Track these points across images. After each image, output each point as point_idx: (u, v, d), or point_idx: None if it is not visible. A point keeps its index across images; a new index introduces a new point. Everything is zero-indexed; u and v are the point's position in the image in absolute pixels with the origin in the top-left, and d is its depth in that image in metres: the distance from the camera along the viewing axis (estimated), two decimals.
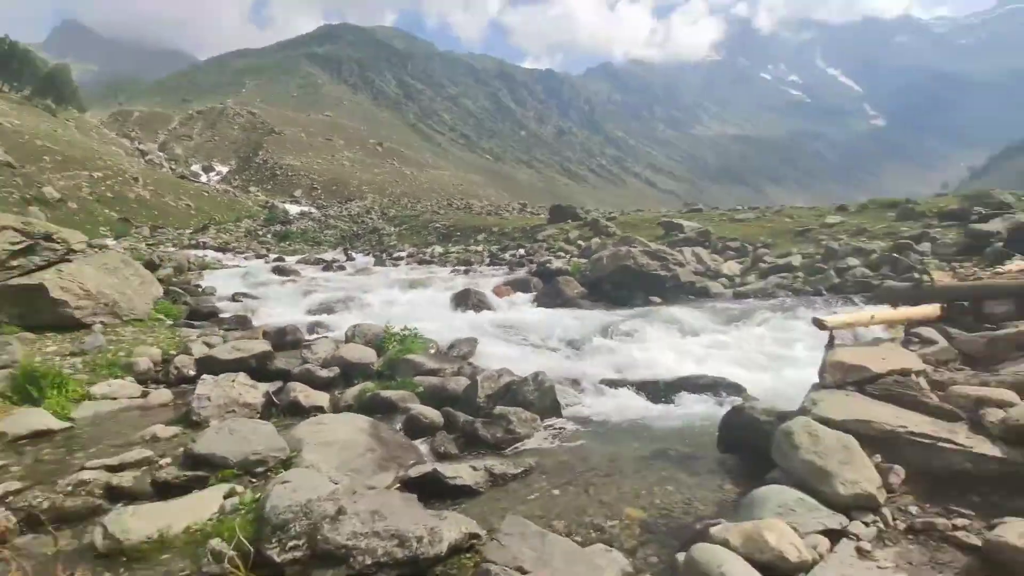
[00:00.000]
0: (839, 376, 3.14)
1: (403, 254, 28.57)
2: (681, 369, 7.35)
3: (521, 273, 18.89)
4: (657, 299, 14.10)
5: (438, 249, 28.91)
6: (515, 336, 10.31)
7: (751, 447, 3.81)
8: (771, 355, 7.92)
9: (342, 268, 23.41)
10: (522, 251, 25.41)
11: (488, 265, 22.66)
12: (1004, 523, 2.28)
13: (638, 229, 25.32)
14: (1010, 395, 2.86)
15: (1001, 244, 11.59)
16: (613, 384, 6.71)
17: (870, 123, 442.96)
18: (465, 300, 13.32)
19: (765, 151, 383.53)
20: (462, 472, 3.93)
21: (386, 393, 5.40)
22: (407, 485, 3.80)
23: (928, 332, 3.82)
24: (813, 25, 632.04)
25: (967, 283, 4.05)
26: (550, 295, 14.49)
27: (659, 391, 6.33)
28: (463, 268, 21.53)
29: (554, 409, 5.65)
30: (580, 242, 23.65)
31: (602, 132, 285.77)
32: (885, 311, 3.63)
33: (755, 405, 4.13)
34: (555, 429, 5.36)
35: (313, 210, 57.99)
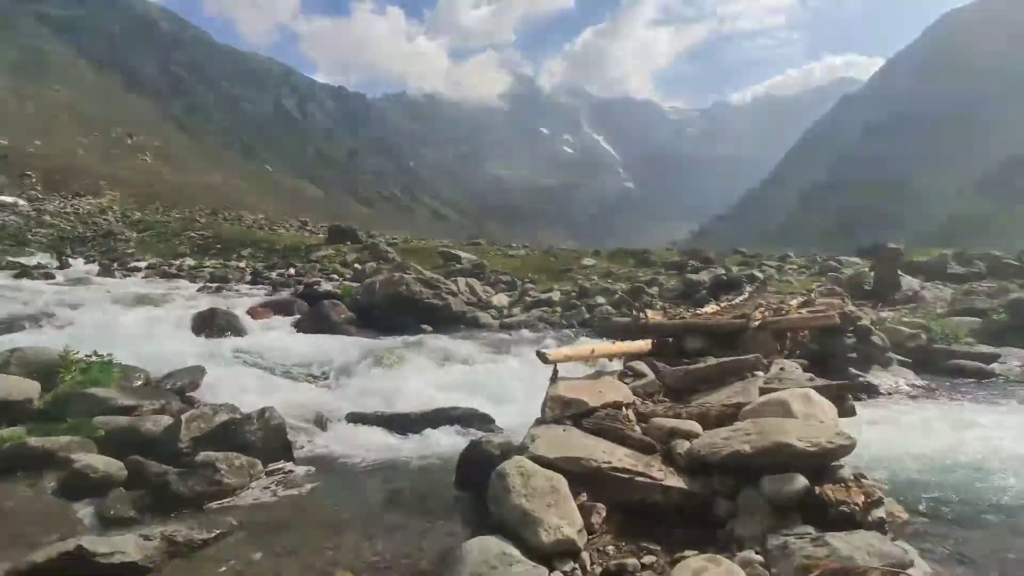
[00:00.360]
0: (558, 411, 3.19)
1: (142, 265, 24.17)
2: (439, 400, 7.16)
3: (285, 294, 17.30)
4: (429, 328, 14.00)
5: (189, 262, 25.16)
6: (263, 364, 9.14)
7: (486, 484, 3.67)
8: (525, 385, 8.22)
9: (50, 276, 18.80)
10: (292, 271, 23.46)
11: (249, 284, 20.35)
12: (683, 559, 2.40)
13: (418, 256, 25.34)
14: (695, 426, 3.10)
15: (705, 291, 14.13)
16: (362, 419, 6.20)
17: (623, 184, 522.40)
18: (210, 322, 11.53)
19: (541, 197, 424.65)
20: (126, 545, 3.03)
21: (38, 441, 4.08)
22: (31, 574, 2.77)
23: (640, 366, 4.11)
24: (583, 94, 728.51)
25: (673, 322, 4.64)
26: (315, 319, 13.38)
27: (410, 424, 6.01)
28: (215, 285, 18.96)
29: (284, 451, 4.92)
30: (357, 265, 22.72)
31: (395, 159, 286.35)
32: (605, 345, 3.91)
33: (491, 439, 4.04)
34: (280, 475, 4.64)
35: (21, 202, 46.28)
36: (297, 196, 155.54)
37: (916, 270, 17.88)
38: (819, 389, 2.96)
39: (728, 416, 2.96)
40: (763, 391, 3.04)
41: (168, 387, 6.14)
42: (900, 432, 5.47)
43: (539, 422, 3.19)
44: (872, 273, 13.91)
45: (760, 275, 13.00)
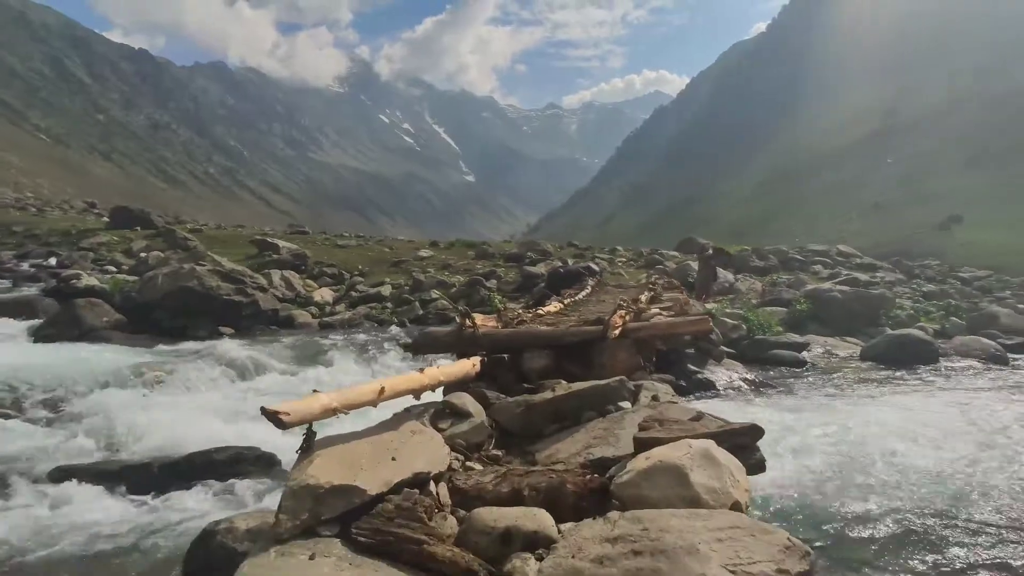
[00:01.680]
0: (306, 515, 1.74)
1: None
2: (217, 433, 5.38)
3: (32, 291, 13.48)
4: (229, 330, 11.64)
5: None
6: None
7: None
8: None
9: None
10: (54, 260, 18.75)
11: None
12: None
13: (227, 246, 21.88)
14: (542, 520, 1.80)
15: (543, 284, 13.65)
16: (73, 474, 4.24)
17: (464, 177, 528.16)
18: None
19: (380, 186, 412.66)
20: None
21: None
22: None
23: (463, 399, 2.67)
24: (423, 84, 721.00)
25: (508, 331, 3.54)
26: (66, 324, 10.31)
27: (149, 480, 4.22)
28: None
29: None
30: (143, 254, 18.82)
31: (211, 136, 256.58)
32: (406, 378, 2.55)
33: (235, 526, 2.58)
34: None
35: None
36: (85, 173, 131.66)
37: (726, 264, 19.44)
38: (717, 436, 2.06)
39: (593, 492, 1.89)
40: (641, 443, 2.06)
41: None
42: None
43: (268, 538, 1.76)
44: (696, 266, 14.62)
45: (596, 267, 12.83)
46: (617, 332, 3.02)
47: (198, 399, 6.68)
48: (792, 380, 7.67)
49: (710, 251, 13.97)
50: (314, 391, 2.19)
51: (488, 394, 2.73)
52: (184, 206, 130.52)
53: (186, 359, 8.22)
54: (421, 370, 2.52)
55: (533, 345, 3.30)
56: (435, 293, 13.76)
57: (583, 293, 7.09)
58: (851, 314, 10.99)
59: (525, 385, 3.00)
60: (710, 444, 1.94)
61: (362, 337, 10.74)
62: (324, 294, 15.58)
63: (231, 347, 9.05)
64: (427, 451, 2.13)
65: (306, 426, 2.05)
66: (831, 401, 6.60)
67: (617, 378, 2.61)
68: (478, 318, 3.78)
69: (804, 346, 8.99)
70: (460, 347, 3.45)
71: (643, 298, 5.45)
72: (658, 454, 1.90)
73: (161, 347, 9.43)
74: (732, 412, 6.06)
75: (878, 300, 11.11)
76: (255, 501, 3.96)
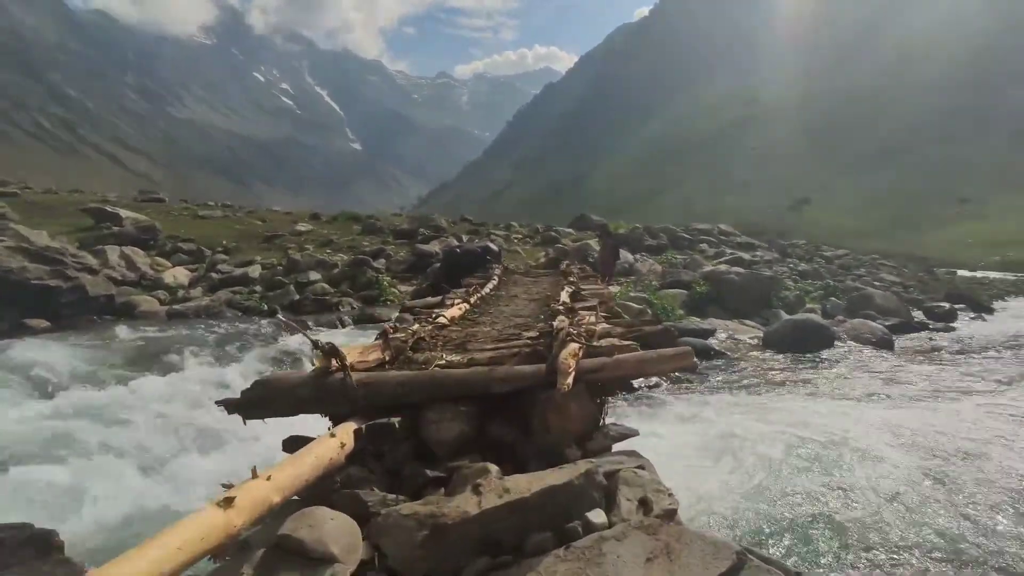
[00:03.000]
0: None
1: None
2: None
3: None
4: (42, 322, 9.30)
5: None
6: None
7: None
8: (171, 427, 5.18)
9: None
10: None
11: None
12: None
13: (54, 215, 18.22)
14: None
15: (438, 264, 12.46)
16: None
17: (350, 144, 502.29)
18: None
19: (256, 150, 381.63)
20: None
21: None
22: None
23: (316, 525, 1.46)
24: (303, 40, 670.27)
25: (400, 377, 2.30)
26: None
27: None
28: None
29: None
30: None
31: (45, 82, 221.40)
32: (169, 538, 1.35)
33: None
34: None
35: None
36: None
37: (621, 242, 19.39)
38: None
39: None
40: None
41: None
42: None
43: None
44: (597, 245, 14.19)
45: (495, 247, 11.88)
46: (570, 381, 2.01)
47: None
48: (705, 374, 7.28)
49: (615, 234, 13.60)
50: None
51: (366, 497, 1.58)
52: (8, 163, 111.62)
53: None
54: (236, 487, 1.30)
55: (441, 397, 2.21)
56: (314, 275, 12.07)
57: (490, 285, 6.03)
58: (747, 296, 11.04)
59: (428, 473, 1.87)
60: None
61: (221, 330, 8.96)
62: (178, 275, 13.23)
63: (32, 347, 7.01)
64: None
65: None
66: (753, 398, 6.22)
67: (582, 468, 1.61)
68: (352, 352, 2.48)
69: (711, 332, 8.73)
70: (322, 405, 2.20)
71: (565, 295, 4.54)
72: None
73: None
74: (656, 423, 5.41)
75: (769, 282, 11.28)
76: None
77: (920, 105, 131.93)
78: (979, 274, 40.14)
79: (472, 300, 4.90)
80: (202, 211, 22.15)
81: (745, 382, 6.91)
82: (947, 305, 14.52)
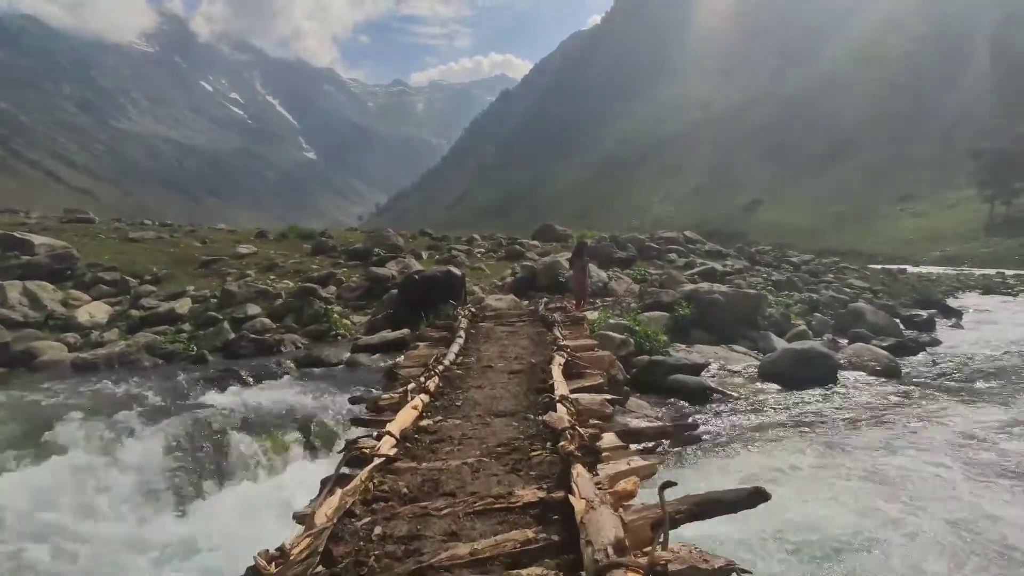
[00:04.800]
0: None
1: None
2: None
3: None
4: None
5: None
6: None
7: None
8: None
9: None
10: None
11: None
12: None
13: None
14: None
15: (396, 292, 11.23)
16: None
17: (304, 154, 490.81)
18: None
19: (207, 162, 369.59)
20: None
21: None
22: None
23: None
24: (252, 49, 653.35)
25: None
26: None
27: None
28: None
29: None
30: None
31: None
32: None
33: None
34: None
35: None
36: None
37: (590, 255, 18.48)
38: None
39: None
40: None
41: None
42: None
43: None
44: (568, 265, 13.20)
45: (458, 271, 10.70)
46: None
47: None
48: (704, 422, 6.30)
49: (582, 245, 12.65)
50: None
51: None
52: None
53: None
54: None
55: None
56: (252, 308, 10.65)
57: (455, 349, 4.81)
58: (732, 316, 10.23)
59: None
60: None
61: (133, 385, 7.49)
62: (95, 312, 11.59)
63: None
64: None
65: None
66: (773, 458, 5.26)
67: None
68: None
69: (702, 367, 7.80)
70: None
71: (556, 369, 3.42)
72: None
73: None
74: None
75: (756, 300, 10.49)
76: None
77: (861, 108, 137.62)
78: (923, 269, 41.41)
79: (431, 388, 3.66)
80: (134, 232, 20.21)
81: (756, 435, 5.96)
82: (924, 314, 14.15)
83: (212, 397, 6.86)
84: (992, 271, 42.05)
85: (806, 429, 6.01)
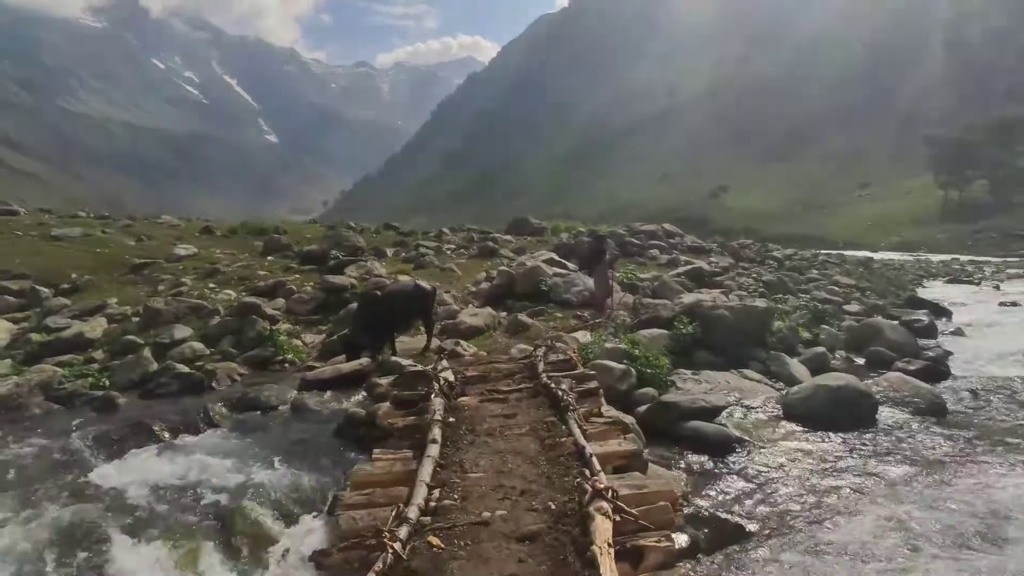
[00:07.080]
0: None
1: None
2: None
3: None
4: None
5: None
6: None
7: None
8: None
9: None
10: None
11: None
12: None
13: None
14: None
15: (356, 308, 9.67)
16: None
17: (265, 137, 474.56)
18: None
19: (162, 145, 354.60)
20: None
21: None
22: None
23: None
24: (209, 27, 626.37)
25: None
26: None
27: None
28: None
29: None
30: None
31: None
32: None
33: None
34: None
35: None
36: None
37: (570, 253, 17.19)
38: None
39: None
40: None
41: None
42: None
43: None
44: (550, 269, 11.79)
45: (427, 286, 9.19)
46: None
47: None
48: (732, 494, 5.04)
49: (600, 241, 11.54)
50: None
51: None
52: None
53: None
54: None
55: None
56: (182, 330, 8.95)
57: (429, 465, 3.29)
58: (740, 334, 9.05)
59: None
60: None
61: (12, 444, 5.84)
62: None
63: None
64: None
65: None
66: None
67: None
68: None
69: (721, 409, 6.56)
70: None
71: (600, 537, 2.09)
72: None
73: None
74: None
75: (765, 316, 9.33)
76: None
77: (822, 97, 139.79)
78: (883, 255, 41.71)
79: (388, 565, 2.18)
80: (59, 228, 17.94)
81: (812, 510, 4.72)
82: (926, 319, 13.31)
83: (105, 470, 5.27)
84: (948, 257, 42.53)
85: (864, 495, 4.81)
